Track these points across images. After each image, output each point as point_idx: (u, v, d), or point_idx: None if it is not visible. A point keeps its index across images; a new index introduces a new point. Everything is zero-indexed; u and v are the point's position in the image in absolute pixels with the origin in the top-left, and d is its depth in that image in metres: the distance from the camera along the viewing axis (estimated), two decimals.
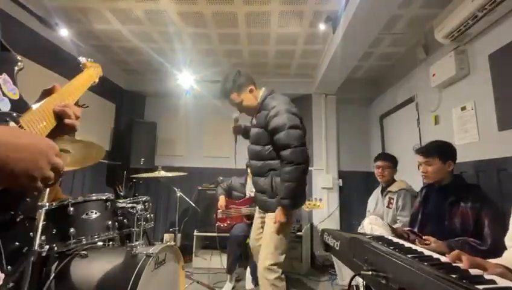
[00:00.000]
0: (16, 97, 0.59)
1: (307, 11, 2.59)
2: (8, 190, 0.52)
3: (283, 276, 1.71)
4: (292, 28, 2.88)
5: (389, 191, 2.40)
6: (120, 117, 4.10)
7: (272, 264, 1.68)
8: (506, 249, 1.43)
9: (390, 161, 2.48)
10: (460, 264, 0.84)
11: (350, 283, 0.96)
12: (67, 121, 0.67)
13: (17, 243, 0.56)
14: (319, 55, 3.46)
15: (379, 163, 2.50)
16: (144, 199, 2.26)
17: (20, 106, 0.59)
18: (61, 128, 0.67)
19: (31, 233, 0.62)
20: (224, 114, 4.36)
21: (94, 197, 1.86)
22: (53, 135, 0.66)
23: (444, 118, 2.56)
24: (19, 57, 0.63)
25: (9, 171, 0.44)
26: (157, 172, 2.82)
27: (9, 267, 0.53)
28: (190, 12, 2.65)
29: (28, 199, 0.60)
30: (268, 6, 2.53)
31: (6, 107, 0.56)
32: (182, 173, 3.06)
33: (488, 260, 0.90)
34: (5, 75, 0.58)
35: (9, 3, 2.36)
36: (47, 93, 0.71)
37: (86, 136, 3.39)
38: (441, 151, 1.76)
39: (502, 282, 0.72)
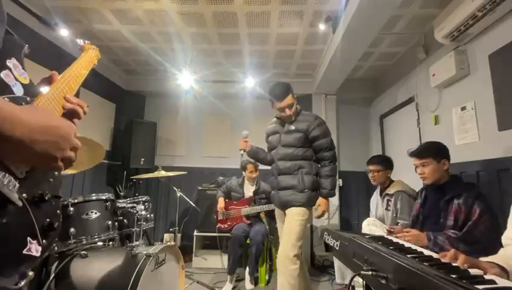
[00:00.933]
0: (27, 82, 0.60)
1: (307, 11, 2.59)
2: (34, 171, 0.56)
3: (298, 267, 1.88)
4: (292, 28, 2.88)
5: (387, 194, 2.39)
6: (120, 117, 4.10)
7: (295, 255, 1.87)
8: (479, 242, 1.50)
9: (381, 164, 2.47)
10: (457, 264, 0.85)
11: (350, 283, 0.96)
12: (75, 121, 0.68)
13: (48, 219, 0.61)
14: (319, 55, 3.46)
15: (370, 167, 2.52)
16: (144, 199, 2.27)
17: (31, 90, 0.60)
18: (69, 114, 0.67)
19: (58, 210, 0.66)
20: (225, 114, 4.39)
21: (94, 197, 1.86)
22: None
23: (444, 118, 2.56)
24: (23, 42, 0.64)
25: (34, 151, 0.46)
26: (157, 172, 2.82)
27: (44, 241, 0.58)
28: (190, 12, 2.65)
29: (51, 179, 0.64)
30: (268, 6, 2.53)
31: (19, 91, 0.57)
32: (182, 173, 3.07)
33: (483, 258, 0.91)
34: (14, 60, 0.58)
35: (9, 3, 2.36)
36: (46, 81, 0.71)
37: (86, 136, 3.40)
38: (433, 151, 1.81)
39: (501, 282, 0.73)
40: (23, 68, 0.61)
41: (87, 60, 0.87)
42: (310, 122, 2.10)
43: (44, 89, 0.64)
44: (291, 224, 1.97)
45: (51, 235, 0.61)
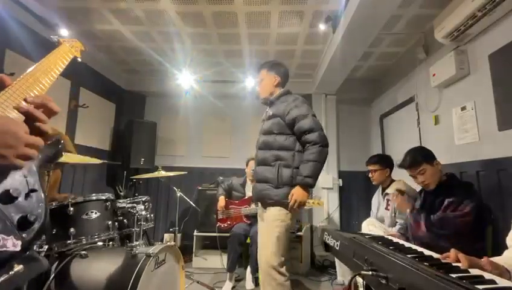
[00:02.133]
0: None
1: (307, 11, 2.59)
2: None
3: (288, 274, 1.71)
4: (292, 28, 2.88)
5: (387, 193, 2.39)
6: (120, 117, 4.10)
7: (279, 264, 1.68)
8: (466, 239, 1.54)
9: (380, 163, 2.47)
10: (459, 264, 0.85)
11: (350, 283, 0.96)
12: (38, 124, 0.60)
13: (21, 214, 0.61)
14: (319, 55, 3.46)
15: (369, 167, 2.53)
16: (144, 199, 2.26)
17: None
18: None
19: (41, 203, 0.66)
20: (225, 114, 4.39)
21: (94, 197, 1.86)
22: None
23: (444, 118, 2.56)
24: None
25: None
26: (157, 172, 2.82)
27: (23, 234, 0.59)
28: (190, 12, 2.65)
29: (24, 175, 0.64)
30: (268, 6, 2.53)
31: None
32: (182, 173, 3.07)
33: (488, 258, 0.90)
34: None
35: (10, 3, 2.36)
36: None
37: (86, 136, 3.41)
38: (424, 156, 1.80)
39: (501, 282, 0.73)
40: None
41: (62, 53, 0.83)
42: (288, 104, 1.82)
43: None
44: (268, 229, 1.75)
45: (29, 228, 0.61)
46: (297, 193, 1.70)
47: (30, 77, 0.66)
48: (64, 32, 2.76)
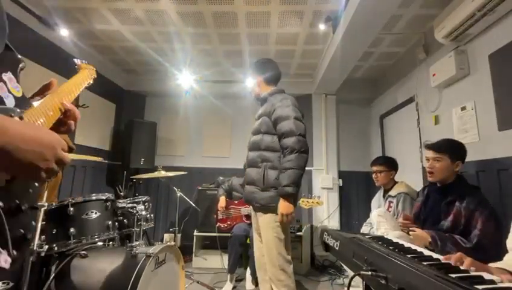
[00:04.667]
0: (19, 94, 0.62)
1: (307, 11, 2.59)
2: (15, 180, 0.55)
3: (293, 277, 1.71)
4: (292, 28, 2.88)
5: (389, 195, 2.38)
6: (120, 117, 4.10)
7: (286, 261, 1.69)
8: (489, 250, 1.45)
9: (385, 165, 2.47)
10: (461, 267, 0.84)
11: (350, 283, 0.96)
12: (70, 121, 0.70)
13: (21, 230, 0.59)
14: (319, 55, 3.46)
15: (373, 168, 2.51)
16: (144, 199, 2.26)
17: (23, 103, 0.62)
18: (59, 126, 0.69)
19: (33, 222, 0.65)
20: (225, 114, 4.39)
21: (94, 197, 1.86)
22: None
23: (444, 118, 2.56)
24: (20, 57, 0.66)
25: (18, 160, 0.47)
26: (157, 172, 2.82)
27: (15, 251, 0.56)
28: (190, 12, 2.65)
29: (30, 190, 0.63)
30: (268, 6, 2.53)
31: (11, 103, 0.59)
32: (182, 173, 3.07)
33: (490, 264, 0.90)
34: (9, 74, 0.60)
35: (10, 3, 2.36)
36: (45, 88, 0.73)
37: (86, 136, 3.40)
38: (452, 149, 1.73)
39: (501, 282, 0.73)
40: (18, 82, 0.63)
41: (82, 79, 0.89)
42: (274, 103, 1.77)
43: (36, 103, 0.65)
44: (266, 236, 1.75)
45: (24, 247, 0.59)
46: (281, 206, 1.66)
47: (56, 96, 0.71)
48: (64, 32, 2.77)
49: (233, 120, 4.40)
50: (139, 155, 3.78)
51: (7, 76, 0.60)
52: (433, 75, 2.52)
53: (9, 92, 0.59)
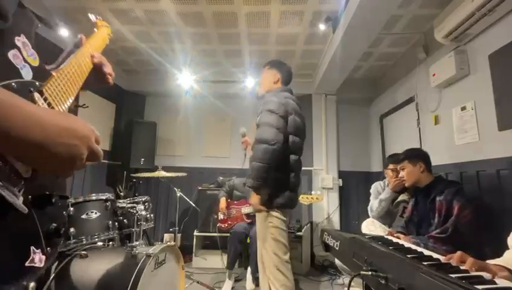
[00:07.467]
0: (36, 63, 0.54)
1: (307, 11, 2.59)
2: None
3: (291, 277, 1.72)
4: (292, 28, 2.88)
5: (403, 201, 2.26)
6: (120, 117, 4.10)
7: (281, 263, 1.71)
8: (465, 237, 1.55)
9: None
10: (462, 266, 0.84)
11: (350, 283, 0.96)
12: (107, 70, 0.67)
13: (54, 224, 0.54)
14: (319, 55, 3.46)
15: (390, 166, 2.35)
16: (144, 199, 2.26)
17: (41, 73, 0.54)
18: (97, 79, 0.67)
19: (64, 212, 0.59)
20: (225, 114, 4.39)
21: (94, 197, 1.86)
22: (88, 86, 0.65)
23: (444, 118, 2.56)
24: (37, 15, 0.58)
25: (53, 154, 0.42)
26: (157, 172, 2.82)
27: (48, 248, 0.51)
28: (190, 12, 2.65)
29: (58, 178, 0.58)
30: (268, 6, 2.53)
31: (28, 75, 0.51)
32: (181, 173, 3.07)
33: (489, 261, 0.90)
34: (23, 37, 0.51)
35: None
36: (77, 46, 0.70)
37: None
38: (408, 155, 1.94)
39: (501, 282, 0.72)
40: (33, 47, 0.54)
41: (101, 39, 0.79)
42: (263, 104, 1.77)
43: (55, 71, 0.58)
44: (261, 235, 1.78)
45: (56, 241, 0.54)
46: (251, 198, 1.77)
47: (75, 63, 0.63)
48: (64, 32, 2.77)
49: (233, 120, 4.40)
50: (139, 155, 3.78)
51: (21, 40, 0.50)
52: (433, 75, 2.52)
53: (25, 60, 0.51)
